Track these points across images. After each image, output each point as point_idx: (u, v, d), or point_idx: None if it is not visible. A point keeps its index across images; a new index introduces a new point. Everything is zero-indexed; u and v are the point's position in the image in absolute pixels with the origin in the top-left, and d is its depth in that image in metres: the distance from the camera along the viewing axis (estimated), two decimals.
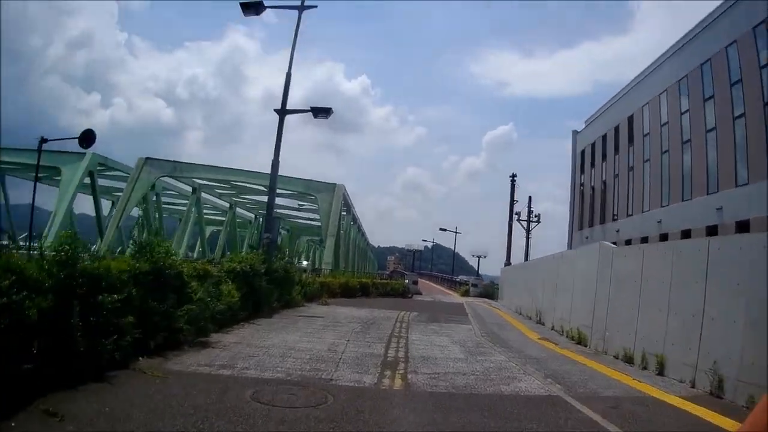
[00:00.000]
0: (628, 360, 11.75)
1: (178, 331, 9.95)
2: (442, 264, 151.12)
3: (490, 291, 48.21)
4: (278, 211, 73.63)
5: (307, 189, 46.51)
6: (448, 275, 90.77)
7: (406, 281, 40.26)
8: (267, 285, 17.37)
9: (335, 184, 46.05)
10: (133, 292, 8.67)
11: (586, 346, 14.76)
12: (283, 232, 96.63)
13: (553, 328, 19.09)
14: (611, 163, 39.78)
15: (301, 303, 21.61)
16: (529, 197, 50.62)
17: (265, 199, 62.19)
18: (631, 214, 35.37)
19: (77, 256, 7.71)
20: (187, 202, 56.52)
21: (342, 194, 46.07)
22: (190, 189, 53.97)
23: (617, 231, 36.54)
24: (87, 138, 30.01)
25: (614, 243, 36.16)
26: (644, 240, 30.84)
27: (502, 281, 40.22)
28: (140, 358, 8.51)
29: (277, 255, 20.17)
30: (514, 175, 51.14)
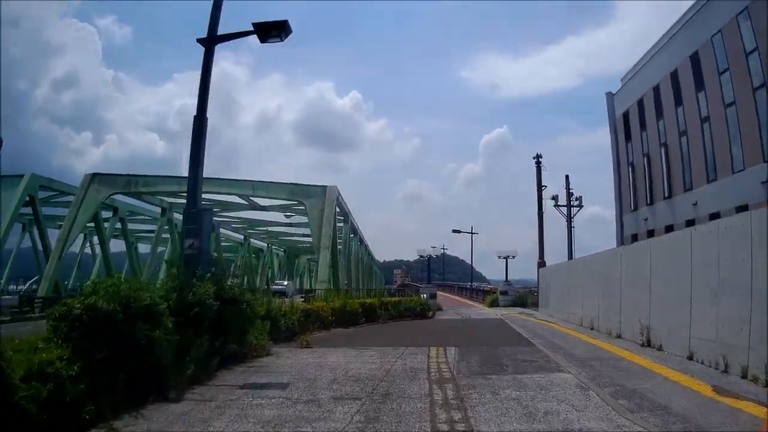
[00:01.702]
0: None
1: None
2: (449, 273, 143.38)
3: (524, 298, 39.61)
4: (270, 229, 65.65)
5: (292, 195, 38.08)
6: (461, 284, 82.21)
7: (423, 296, 31.52)
8: (170, 336, 8.85)
9: (326, 186, 37.56)
10: None
11: None
12: (279, 252, 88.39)
13: (692, 358, 10.71)
14: (673, 119, 31.13)
15: (265, 349, 13.02)
16: (567, 176, 41.60)
17: (258, 215, 54.15)
18: (716, 179, 26.55)
19: None
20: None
21: (335, 198, 37.57)
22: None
23: (695, 204, 27.86)
24: None
25: (692, 221, 27.79)
26: (742, 208, 22.15)
27: (545, 285, 31.57)
28: None
29: (209, 275, 11.50)
30: (539, 156, 42.36)
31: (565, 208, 40.92)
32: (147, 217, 51.08)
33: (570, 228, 40.36)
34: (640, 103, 35.50)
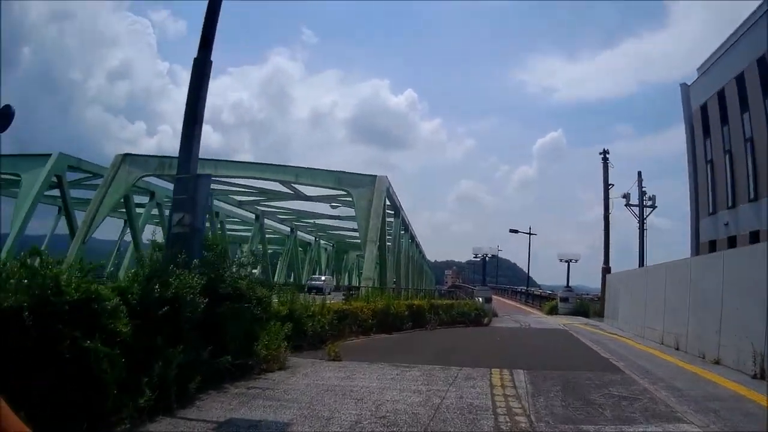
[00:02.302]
0: None
1: None
2: (500, 276, 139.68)
3: (586, 307, 35.81)
4: (318, 221, 62.85)
5: (338, 183, 34.91)
6: (515, 287, 78.24)
7: (478, 299, 28.19)
8: (113, 349, 5.92)
9: (375, 176, 34.40)
10: None
11: None
12: (327, 246, 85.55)
13: None
14: (761, 111, 26.89)
15: (278, 360, 10.04)
16: (639, 173, 37.14)
17: (306, 206, 51.65)
18: None
19: None
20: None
21: (385, 190, 34.36)
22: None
23: None
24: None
25: None
26: None
27: (613, 294, 27.81)
28: None
29: (199, 262, 8.55)
30: (605, 152, 38.35)
31: (637, 208, 36.77)
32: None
33: (642, 230, 36.11)
34: (721, 95, 31.26)
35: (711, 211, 32.35)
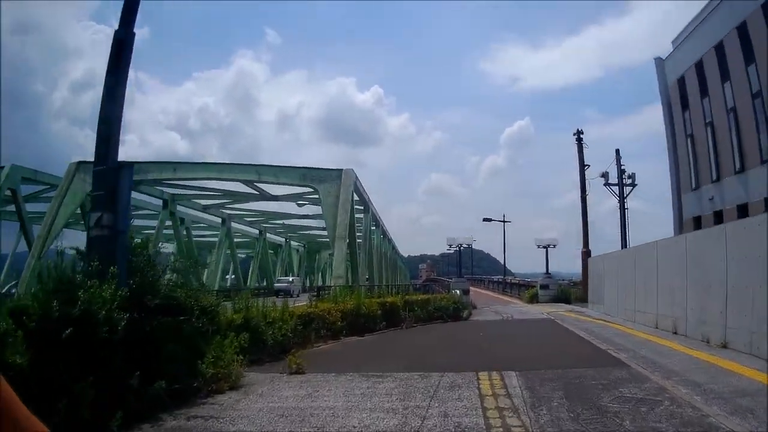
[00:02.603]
0: None
1: None
2: (475, 266, 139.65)
3: (568, 293, 34.82)
4: (287, 222, 61.05)
5: (303, 180, 33.39)
6: (491, 277, 77.73)
7: (456, 292, 26.95)
8: None
9: (341, 170, 32.92)
10: None
11: None
12: (299, 247, 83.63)
13: None
14: (743, 79, 26.12)
15: (229, 379, 8.61)
16: (617, 150, 35.90)
17: (274, 207, 49.98)
18: None
19: None
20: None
21: (353, 183, 32.94)
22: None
23: None
24: None
25: None
26: None
27: (597, 278, 26.74)
28: None
29: (114, 270, 7.05)
30: (579, 132, 37.35)
31: (616, 188, 35.72)
32: (152, 212, 46.64)
33: (623, 209, 35.18)
34: (699, 66, 30.46)
35: (694, 186, 31.55)
